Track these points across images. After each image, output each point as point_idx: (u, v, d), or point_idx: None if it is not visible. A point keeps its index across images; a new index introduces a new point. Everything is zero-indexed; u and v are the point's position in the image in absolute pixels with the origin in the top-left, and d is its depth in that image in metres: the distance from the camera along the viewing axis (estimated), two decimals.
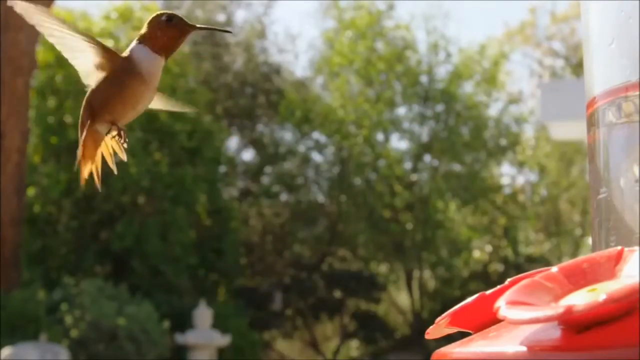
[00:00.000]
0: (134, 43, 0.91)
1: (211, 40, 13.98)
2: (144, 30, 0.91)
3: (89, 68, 0.91)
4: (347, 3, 14.45)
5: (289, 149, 14.13)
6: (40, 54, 10.22)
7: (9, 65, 8.74)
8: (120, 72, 0.90)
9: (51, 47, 11.84)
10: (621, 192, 0.58)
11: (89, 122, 0.91)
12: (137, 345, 8.17)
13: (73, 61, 0.92)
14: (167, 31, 0.90)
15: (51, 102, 10.80)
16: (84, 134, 0.91)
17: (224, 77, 14.16)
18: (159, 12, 0.92)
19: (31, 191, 10.61)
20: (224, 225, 11.80)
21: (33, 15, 0.87)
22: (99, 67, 0.91)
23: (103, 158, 0.94)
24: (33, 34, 8.73)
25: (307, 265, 13.78)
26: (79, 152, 0.92)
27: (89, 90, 0.92)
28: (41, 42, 9.50)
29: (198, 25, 0.93)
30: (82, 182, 0.94)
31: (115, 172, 0.95)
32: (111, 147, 0.95)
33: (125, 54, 0.91)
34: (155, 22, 0.91)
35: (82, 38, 0.90)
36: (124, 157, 0.94)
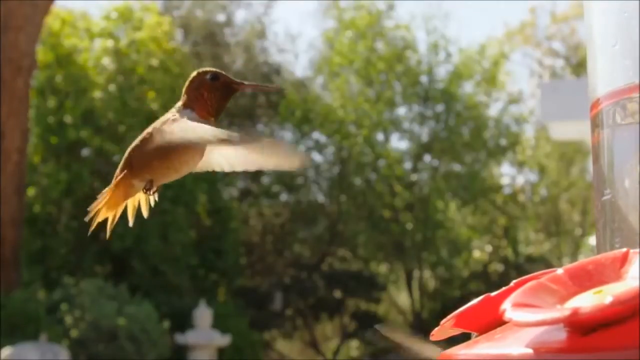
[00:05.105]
0: (179, 105, 0.87)
1: (211, 40, 13.97)
2: (186, 89, 0.87)
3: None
4: (347, 3, 14.46)
5: None
6: (40, 54, 10.21)
7: (9, 65, 8.73)
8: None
9: (51, 47, 11.81)
10: (626, 193, 0.58)
11: (125, 173, 0.89)
12: (137, 345, 8.17)
13: None
14: (213, 92, 0.86)
15: (51, 102, 10.79)
16: (116, 182, 0.89)
17: None
18: (201, 70, 0.88)
19: (31, 191, 10.61)
20: (224, 225, 11.80)
21: None
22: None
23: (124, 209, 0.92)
24: (33, 34, 8.73)
25: (307, 265, 13.78)
26: (106, 198, 0.89)
27: (132, 145, 0.89)
28: (41, 42, 9.48)
29: (246, 83, 0.88)
30: (92, 227, 0.90)
31: (131, 224, 0.92)
32: (138, 200, 0.92)
33: (173, 117, 0.86)
34: (199, 82, 0.87)
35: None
36: (145, 213, 0.91)
